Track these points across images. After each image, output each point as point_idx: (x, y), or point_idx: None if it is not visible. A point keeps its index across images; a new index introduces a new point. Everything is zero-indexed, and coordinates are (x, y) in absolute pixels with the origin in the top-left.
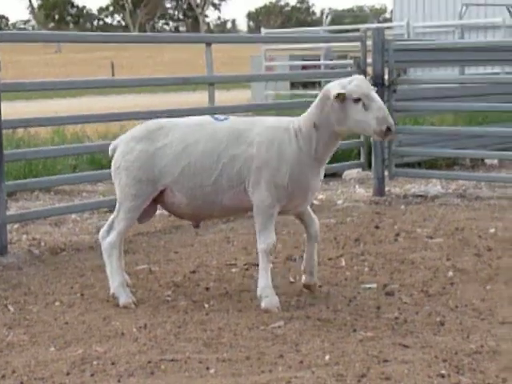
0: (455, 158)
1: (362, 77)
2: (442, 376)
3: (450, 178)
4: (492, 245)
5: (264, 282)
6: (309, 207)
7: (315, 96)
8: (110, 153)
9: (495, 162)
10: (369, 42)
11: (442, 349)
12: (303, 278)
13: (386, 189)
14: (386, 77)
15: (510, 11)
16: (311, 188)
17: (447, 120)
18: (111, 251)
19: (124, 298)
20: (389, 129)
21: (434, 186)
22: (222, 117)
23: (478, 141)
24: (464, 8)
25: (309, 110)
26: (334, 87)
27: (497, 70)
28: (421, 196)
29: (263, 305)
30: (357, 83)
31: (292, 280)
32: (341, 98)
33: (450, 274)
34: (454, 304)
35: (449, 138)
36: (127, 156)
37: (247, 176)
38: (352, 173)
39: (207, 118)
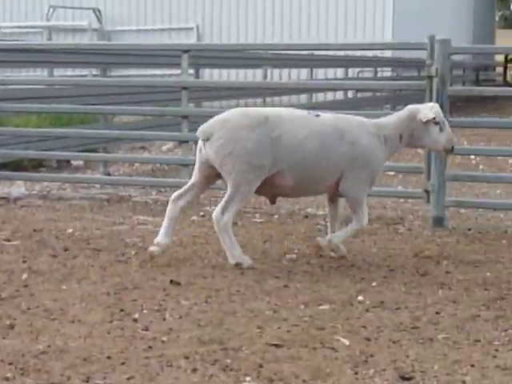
0: (42, 159)
1: (437, 104)
2: (7, 379)
3: (34, 180)
4: (69, 245)
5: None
6: None
7: None
8: (203, 136)
9: (81, 163)
10: None
11: (8, 352)
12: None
13: None
14: None
15: (96, 15)
16: None
17: (32, 121)
18: (227, 229)
19: (247, 262)
20: (453, 148)
21: (18, 188)
22: (313, 112)
23: (63, 142)
24: (51, 10)
25: (393, 121)
26: (425, 110)
27: (85, 72)
28: (3, 198)
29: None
30: (438, 109)
31: None
32: (431, 120)
33: (25, 276)
34: (26, 306)
35: (36, 139)
36: (241, 143)
37: (346, 172)
38: None
39: (302, 112)
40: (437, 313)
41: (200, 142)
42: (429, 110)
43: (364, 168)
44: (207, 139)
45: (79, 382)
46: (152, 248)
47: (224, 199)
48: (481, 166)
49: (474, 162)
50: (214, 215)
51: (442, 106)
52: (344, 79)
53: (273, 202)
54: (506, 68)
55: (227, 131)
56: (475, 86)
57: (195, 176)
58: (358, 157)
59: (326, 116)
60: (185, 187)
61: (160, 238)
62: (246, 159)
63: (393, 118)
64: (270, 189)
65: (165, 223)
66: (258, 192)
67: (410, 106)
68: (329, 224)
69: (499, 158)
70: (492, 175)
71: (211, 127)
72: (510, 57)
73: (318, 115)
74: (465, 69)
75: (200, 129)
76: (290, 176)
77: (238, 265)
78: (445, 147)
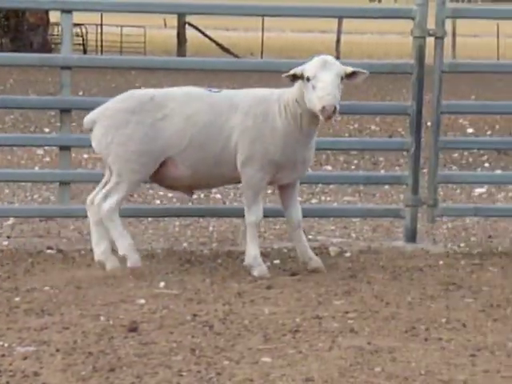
0: None
1: (323, 57)
2: None
3: None
4: None
5: (254, 252)
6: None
7: None
8: (86, 126)
9: None
10: None
11: None
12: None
13: None
14: None
15: None
16: (299, 160)
17: None
18: (113, 215)
19: (133, 258)
20: (324, 108)
21: None
22: (215, 89)
23: None
24: None
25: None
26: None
27: None
28: None
29: (256, 273)
30: (315, 63)
31: None
32: (290, 77)
33: None
34: None
35: None
36: (122, 130)
37: (241, 149)
38: None
39: (200, 90)
40: None
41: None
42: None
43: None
44: (91, 130)
45: None
46: (110, 267)
47: (107, 187)
48: None
49: None
50: (93, 202)
51: None
52: None
53: (191, 195)
54: None
55: (106, 118)
56: None
57: (106, 172)
58: (250, 129)
59: (228, 91)
60: (99, 186)
61: (100, 251)
62: (126, 147)
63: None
64: (164, 180)
65: (93, 231)
66: (157, 183)
67: None
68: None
69: None
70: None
71: (93, 116)
72: None
73: (219, 91)
74: None
75: (84, 119)
76: (182, 164)
77: (126, 257)
78: (318, 108)
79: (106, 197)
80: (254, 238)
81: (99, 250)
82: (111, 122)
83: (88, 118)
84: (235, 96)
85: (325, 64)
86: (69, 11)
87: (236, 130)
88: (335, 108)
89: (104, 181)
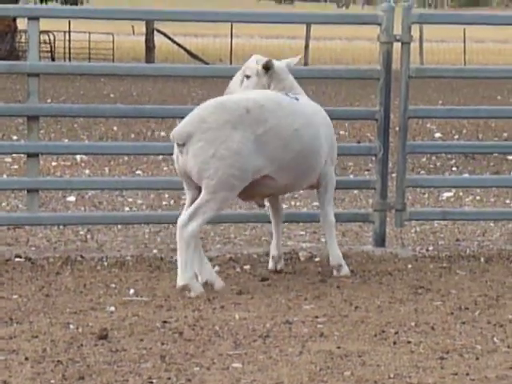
0: None
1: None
2: None
3: None
4: None
5: (338, 251)
6: None
7: None
8: (179, 139)
9: None
10: None
11: None
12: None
13: None
14: None
15: None
16: None
17: None
18: (191, 241)
19: (197, 290)
20: None
21: None
22: (292, 95)
23: None
24: None
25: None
26: None
27: None
28: None
29: (343, 273)
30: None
31: None
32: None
33: None
34: None
35: None
36: (226, 144)
37: (326, 154)
38: None
39: (284, 97)
40: None
41: (176, 149)
42: None
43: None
44: (183, 144)
45: None
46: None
47: (195, 205)
48: None
49: None
50: (178, 221)
51: None
52: None
53: (261, 204)
54: None
55: (207, 131)
56: None
57: (188, 192)
58: (332, 139)
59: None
60: (185, 208)
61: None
62: (229, 162)
63: None
64: (250, 191)
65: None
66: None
67: None
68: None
69: None
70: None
71: (188, 128)
72: None
73: (297, 98)
74: None
75: (174, 131)
76: (280, 177)
77: (184, 288)
78: None
79: (191, 218)
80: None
81: (187, 275)
82: (214, 135)
83: (181, 130)
84: (309, 103)
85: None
86: (36, 18)
87: (324, 138)
88: None
89: (189, 201)
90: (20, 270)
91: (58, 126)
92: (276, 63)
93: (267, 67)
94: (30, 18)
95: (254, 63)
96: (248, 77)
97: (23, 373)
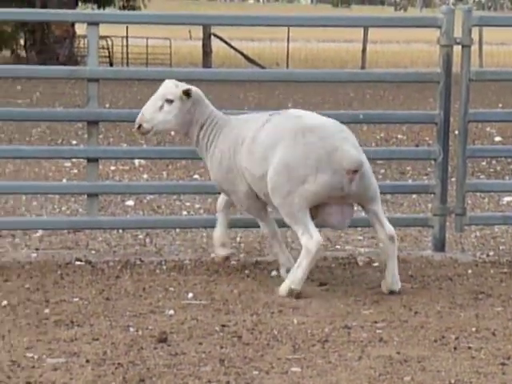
0: None
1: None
2: None
3: None
4: None
5: None
6: None
7: None
8: (359, 167)
9: None
10: None
11: None
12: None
13: None
14: None
15: None
16: None
17: None
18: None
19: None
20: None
21: None
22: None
23: None
24: None
25: None
26: None
27: None
28: None
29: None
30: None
31: None
32: None
33: None
34: None
35: None
36: None
37: None
38: None
39: None
40: None
41: (341, 178)
42: None
43: None
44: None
45: None
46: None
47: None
48: None
49: None
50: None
51: None
52: None
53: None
54: None
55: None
56: None
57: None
58: None
59: None
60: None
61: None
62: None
63: None
64: None
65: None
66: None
67: None
68: None
69: None
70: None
71: (360, 155)
72: None
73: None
74: None
75: (356, 160)
76: None
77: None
78: None
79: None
80: None
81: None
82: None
83: (359, 158)
84: None
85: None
86: (95, 23)
87: None
88: (140, 126)
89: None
90: (80, 274)
91: (116, 130)
92: (194, 88)
93: (187, 93)
94: (89, 24)
95: (174, 87)
96: (170, 101)
97: (84, 375)
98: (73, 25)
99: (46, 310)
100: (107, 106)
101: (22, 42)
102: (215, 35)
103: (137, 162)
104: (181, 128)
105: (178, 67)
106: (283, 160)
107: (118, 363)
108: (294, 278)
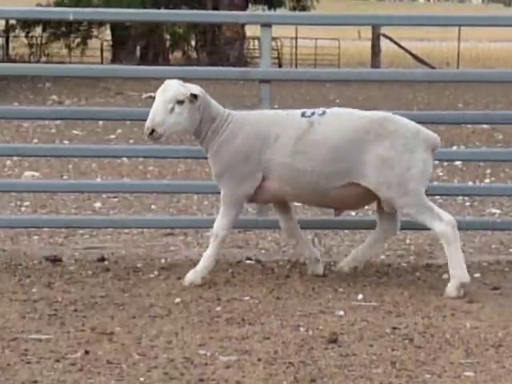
0: None
1: (167, 81)
2: None
3: None
4: None
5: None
6: None
7: None
8: None
9: None
10: None
11: None
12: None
13: None
14: None
15: None
16: None
17: None
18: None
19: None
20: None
21: None
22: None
23: None
24: None
25: None
26: None
27: None
28: None
29: None
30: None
31: None
32: None
33: None
34: None
35: None
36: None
37: None
38: None
39: None
40: None
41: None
42: None
43: None
44: None
45: None
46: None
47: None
48: None
49: None
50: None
51: None
52: None
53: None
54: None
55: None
56: None
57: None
58: None
59: None
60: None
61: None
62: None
63: None
64: None
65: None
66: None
67: None
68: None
69: None
70: None
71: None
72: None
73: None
74: None
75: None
76: None
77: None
78: None
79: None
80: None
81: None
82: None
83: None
84: None
85: (162, 89)
86: (268, 25)
87: None
88: (153, 130)
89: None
90: (251, 272)
91: None
92: (199, 89)
93: (195, 96)
94: (262, 25)
95: (182, 88)
96: (181, 102)
97: (256, 373)
98: (243, 26)
99: (218, 308)
100: (276, 106)
101: (193, 43)
102: (384, 35)
103: None
104: (192, 127)
105: (346, 67)
106: (383, 156)
107: (289, 362)
108: (458, 273)
